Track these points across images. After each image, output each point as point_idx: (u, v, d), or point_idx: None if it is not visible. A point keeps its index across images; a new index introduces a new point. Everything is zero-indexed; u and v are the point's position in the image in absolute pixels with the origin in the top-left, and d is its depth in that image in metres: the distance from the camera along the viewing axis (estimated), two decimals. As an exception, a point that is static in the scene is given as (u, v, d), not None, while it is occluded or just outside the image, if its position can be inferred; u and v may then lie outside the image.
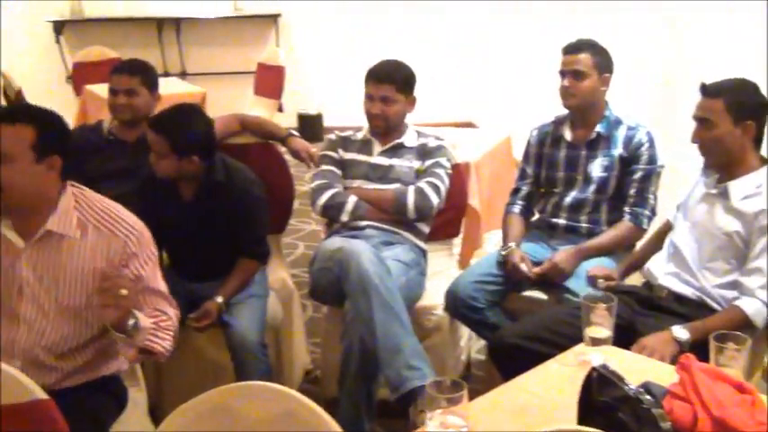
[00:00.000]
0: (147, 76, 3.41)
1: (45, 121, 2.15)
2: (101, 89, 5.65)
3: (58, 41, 7.54)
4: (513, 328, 2.70)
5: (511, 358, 2.50)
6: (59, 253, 2.16)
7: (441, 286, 3.10)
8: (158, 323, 2.19)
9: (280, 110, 6.51)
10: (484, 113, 6.98)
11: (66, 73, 7.32)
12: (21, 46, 7.31)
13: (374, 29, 7.63)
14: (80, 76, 6.36)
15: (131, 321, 2.06)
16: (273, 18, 7.74)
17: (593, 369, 1.62)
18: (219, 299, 2.87)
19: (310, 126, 7.40)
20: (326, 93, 7.75)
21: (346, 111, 7.31)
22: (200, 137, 2.89)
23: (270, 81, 6.48)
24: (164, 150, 2.82)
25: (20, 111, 2.21)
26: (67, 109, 4.52)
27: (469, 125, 6.86)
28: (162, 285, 2.28)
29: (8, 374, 1.75)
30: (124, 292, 1.99)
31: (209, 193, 2.94)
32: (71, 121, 5.03)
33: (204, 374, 3.03)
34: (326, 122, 7.54)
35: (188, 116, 2.92)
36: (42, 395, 1.75)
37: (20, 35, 7.34)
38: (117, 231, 2.18)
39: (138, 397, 2.48)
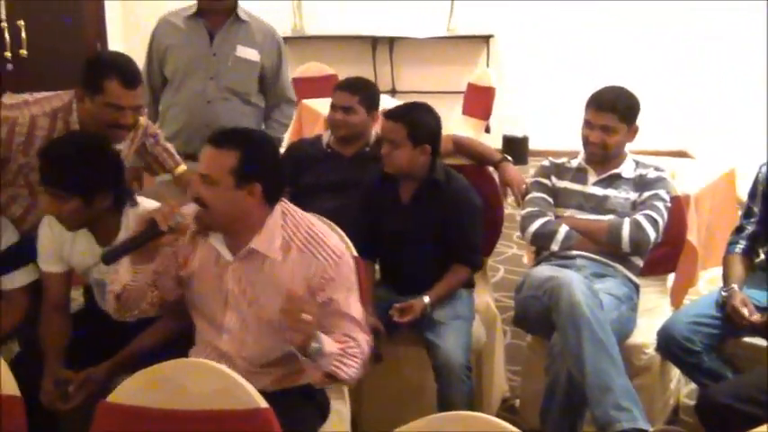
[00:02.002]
0: (366, 95, 3.49)
1: (250, 149, 2.20)
2: (317, 104, 5.91)
3: (279, 57, 7.96)
4: (725, 387, 2.55)
5: (721, 419, 2.36)
6: (261, 270, 2.24)
7: (653, 324, 2.99)
8: (345, 349, 2.20)
9: (487, 131, 6.49)
10: (701, 143, 6.70)
11: (285, 87, 7.70)
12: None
13: (585, 51, 7.53)
14: (298, 90, 6.62)
15: (315, 345, 2.07)
16: (485, 39, 7.77)
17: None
18: (426, 299, 2.91)
19: (516, 148, 7.34)
20: (534, 115, 7.69)
21: (553, 134, 7.29)
22: (433, 127, 3.01)
23: (479, 101, 6.49)
24: (400, 138, 2.94)
25: (229, 135, 2.25)
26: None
27: (683, 155, 6.59)
28: (356, 311, 2.29)
29: (232, 380, 1.85)
30: (307, 317, 2.02)
31: (429, 194, 3.02)
32: (287, 133, 5.26)
33: (405, 393, 3.08)
34: (532, 145, 7.49)
35: (423, 108, 3.05)
36: (263, 404, 1.82)
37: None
38: (318, 255, 2.23)
39: (342, 409, 2.54)
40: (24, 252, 2.81)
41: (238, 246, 2.26)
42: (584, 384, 2.62)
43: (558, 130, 7.36)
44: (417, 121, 2.96)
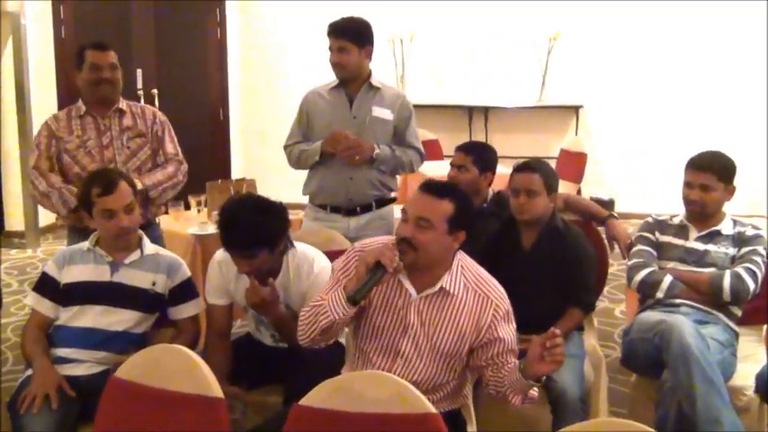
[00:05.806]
0: (479, 157, 3.88)
1: (462, 202, 2.54)
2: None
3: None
4: None
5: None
6: (444, 307, 2.57)
7: (751, 369, 3.19)
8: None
9: (578, 194, 6.77)
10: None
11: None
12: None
13: (670, 120, 7.82)
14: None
15: None
16: (575, 109, 8.13)
17: None
18: None
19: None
20: (619, 180, 8.00)
21: (638, 197, 7.51)
22: (557, 178, 3.37)
23: (572, 166, 6.80)
24: (538, 187, 3.28)
25: (444, 187, 2.59)
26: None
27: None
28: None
29: (406, 388, 2.16)
30: None
31: (549, 239, 3.32)
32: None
33: (521, 425, 3.34)
34: (617, 208, 7.66)
35: (546, 162, 3.42)
36: (432, 410, 2.12)
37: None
38: (490, 294, 2.57)
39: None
40: (192, 287, 3.23)
41: (422, 283, 2.58)
42: (694, 419, 2.82)
43: (642, 194, 7.65)
44: (550, 172, 3.33)
